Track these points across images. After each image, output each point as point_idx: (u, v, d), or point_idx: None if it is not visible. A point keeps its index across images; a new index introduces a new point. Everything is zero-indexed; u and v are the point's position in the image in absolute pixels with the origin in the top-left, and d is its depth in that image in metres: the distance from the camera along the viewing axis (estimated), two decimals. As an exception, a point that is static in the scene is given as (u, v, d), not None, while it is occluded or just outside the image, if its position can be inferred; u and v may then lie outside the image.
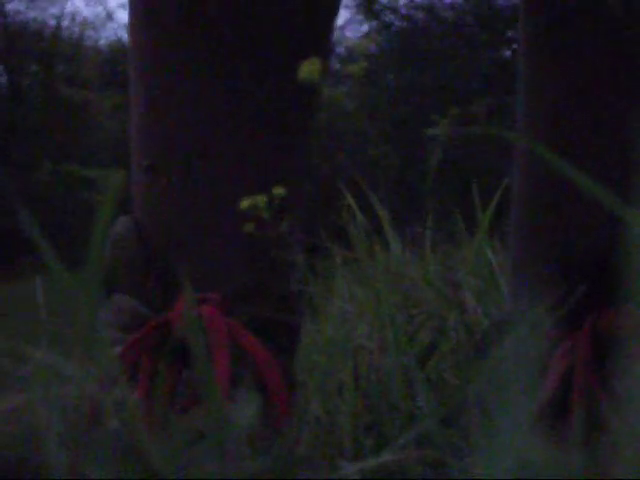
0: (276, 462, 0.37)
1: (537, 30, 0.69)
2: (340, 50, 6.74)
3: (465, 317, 0.92)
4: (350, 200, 1.35)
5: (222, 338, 0.57)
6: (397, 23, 6.45)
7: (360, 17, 6.63)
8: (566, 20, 0.66)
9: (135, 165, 0.65)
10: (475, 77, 5.57)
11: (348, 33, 6.86)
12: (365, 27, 6.70)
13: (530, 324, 0.64)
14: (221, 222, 0.62)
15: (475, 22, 5.98)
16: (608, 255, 0.62)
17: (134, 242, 0.61)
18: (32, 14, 7.14)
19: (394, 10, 6.46)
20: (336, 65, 6.65)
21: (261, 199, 0.59)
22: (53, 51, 7.08)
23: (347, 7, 6.70)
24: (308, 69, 0.47)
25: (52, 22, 7.21)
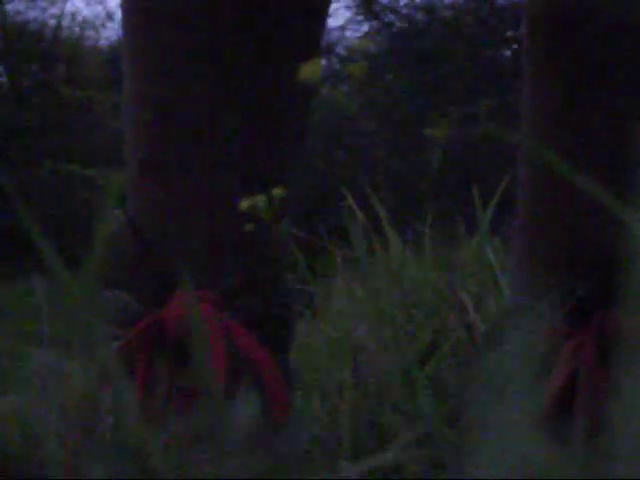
0: (276, 462, 0.37)
1: (540, 36, 0.69)
2: (340, 50, 6.74)
3: (465, 317, 0.92)
4: (350, 200, 1.35)
5: (219, 337, 0.57)
6: (397, 23, 6.46)
7: (360, 17, 6.63)
8: (570, 24, 0.67)
9: (128, 159, 0.64)
10: (475, 77, 5.57)
11: (348, 33, 6.85)
12: (365, 27, 6.70)
13: (535, 319, 0.64)
14: (214, 217, 0.62)
15: (475, 22, 5.99)
16: (613, 255, 0.62)
17: (127, 237, 0.61)
18: (32, 14, 7.14)
19: (394, 10, 6.46)
20: (336, 65, 6.65)
21: (261, 199, 0.59)
22: (53, 51, 7.08)
23: (347, 7, 6.70)
24: (309, 69, 0.47)
25: (52, 22, 7.21)
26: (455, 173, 4.31)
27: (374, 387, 0.80)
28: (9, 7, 7.03)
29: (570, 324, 0.64)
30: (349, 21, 6.74)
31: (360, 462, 0.60)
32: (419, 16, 6.39)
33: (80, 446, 0.50)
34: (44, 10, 7.17)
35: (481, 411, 0.25)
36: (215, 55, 0.62)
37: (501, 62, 6.01)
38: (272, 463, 0.37)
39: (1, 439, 0.48)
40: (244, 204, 0.59)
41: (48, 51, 7.06)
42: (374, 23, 6.55)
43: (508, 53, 6.21)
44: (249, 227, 0.60)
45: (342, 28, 6.78)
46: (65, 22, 7.29)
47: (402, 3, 6.45)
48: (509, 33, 6.16)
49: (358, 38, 6.53)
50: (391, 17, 6.52)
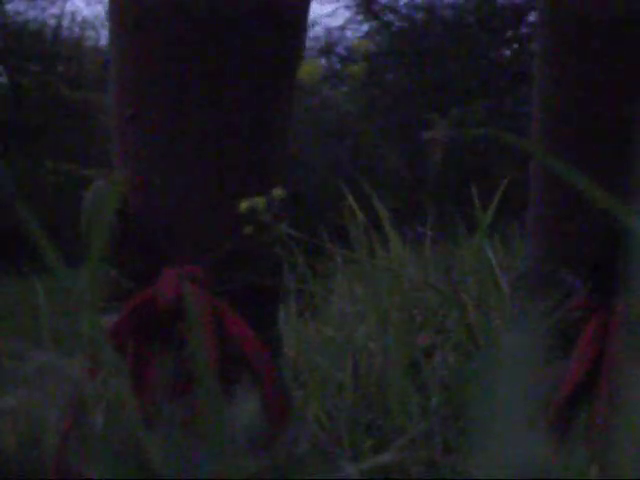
0: (276, 462, 0.37)
1: (552, 37, 0.69)
2: (340, 50, 6.74)
3: (465, 317, 0.92)
4: (350, 200, 1.35)
5: (207, 320, 0.56)
6: (397, 23, 6.46)
7: (360, 17, 6.63)
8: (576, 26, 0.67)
9: (115, 120, 0.64)
10: (475, 77, 5.57)
11: (348, 33, 6.86)
12: (365, 27, 6.70)
13: (554, 287, 0.63)
14: (201, 191, 0.62)
15: (475, 22, 5.98)
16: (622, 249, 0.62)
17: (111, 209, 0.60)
18: (32, 14, 7.14)
19: (394, 10, 6.46)
20: (336, 65, 6.65)
21: (261, 200, 0.59)
22: (53, 51, 7.08)
23: (347, 7, 6.70)
24: (308, 70, 0.47)
25: (52, 22, 7.21)
26: (455, 173, 4.30)
27: (374, 387, 0.80)
28: (9, 7, 7.03)
29: (596, 299, 0.62)
30: (349, 21, 6.74)
31: (360, 462, 0.60)
32: (419, 16, 6.39)
33: (70, 441, 0.50)
34: (44, 10, 7.17)
35: (481, 411, 0.25)
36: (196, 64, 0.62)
37: (501, 62, 6.01)
38: (272, 463, 0.37)
39: (1, 439, 0.48)
40: (243, 205, 0.59)
41: (48, 51, 7.05)
42: (374, 23, 6.55)
43: (508, 53, 6.21)
44: (248, 230, 0.60)
45: (342, 28, 6.78)
46: (65, 22, 7.29)
47: (402, 3, 6.46)
48: (509, 33, 6.16)
49: (358, 38, 6.53)
50: (391, 17, 6.52)
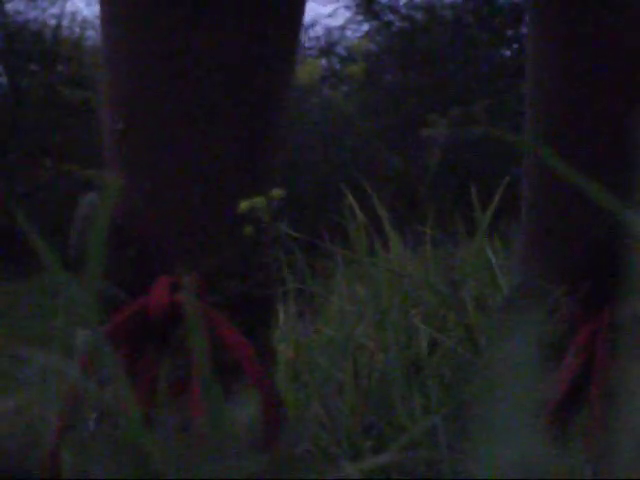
0: (276, 462, 0.37)
1: (544, 25, 0.69)
2: (340, 50, 6.74)
3: (465, 317, 0.92)
4: (350, 200, 1.35)
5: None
6: (397, 23, 6.45)
7: (360, 17, 6.63)
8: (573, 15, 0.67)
9: (107, 132, 0.64)
10: (475, 77, 5.57)
11: (348, 33, 6.85)
12: (365, 27, 6.70)
13: (546, 300, 0.64)
14: (195, 198, 0.62)
15: (475, 22, 5.98)
16: (617, 249, 0.62)
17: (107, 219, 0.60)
18: (32, 14, 7.13)
19: (394, 10, 6.45)
20: (336, 65, 6.65)
21: (261, 200, 0.59)
22: (53, 51, 7.08)
23: (347, 7, 6.70)
24: (308, 70, 0.47)
25: (52, 22, 7.21)
26: (455, 173, 4.31)
27: (374, 387, 0.80)
28: (9, 7, 7.03)
29: (585, 309, 0.63)
30: (349, 21, 6.74)
31: (360, 462, 0.60)
32: (419, 16, 6.39)
33: (65, 441, 0.50)
34: (44, 10, 7.17)
35: (481, 411, 0.25)
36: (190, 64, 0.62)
37: (501, 62, 6.01)
38: (272, 463, 0.37)
39: (1, 439, 0.48)
40: (242, 205, 0.59)
41: (48, 51, 7.06)
42: (374, 23, 6.55)
43: (508, 53, 6.21)
44: (247, 231, 0.60)
45: (342, 28, 6.78)
46: (65, 22, 7.28)
47: (402, 3, 6.45)
48: (509, 33, 6.16)
49: (358, 38, 6.53)
50: (391, 17, 6.52)
